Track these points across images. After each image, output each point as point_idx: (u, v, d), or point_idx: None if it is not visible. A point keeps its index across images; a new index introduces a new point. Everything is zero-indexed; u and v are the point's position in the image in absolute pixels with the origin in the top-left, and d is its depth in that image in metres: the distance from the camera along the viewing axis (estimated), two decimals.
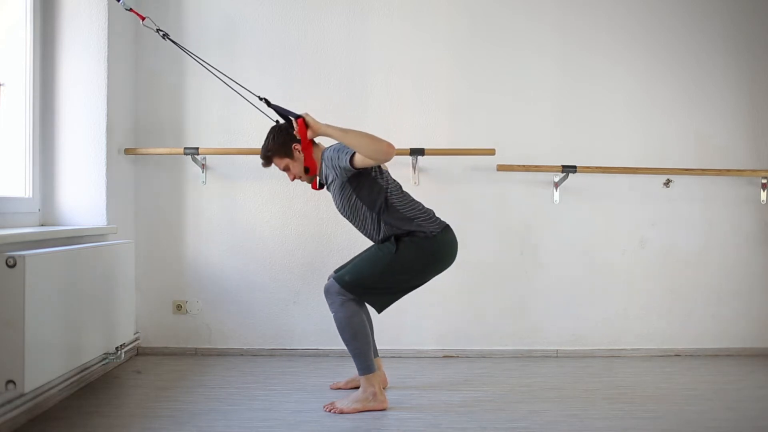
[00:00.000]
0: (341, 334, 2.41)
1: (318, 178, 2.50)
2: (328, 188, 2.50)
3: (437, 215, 2.49)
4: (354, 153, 2.27)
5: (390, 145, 2.24)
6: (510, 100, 3.31)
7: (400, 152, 3.09)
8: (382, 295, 2.43)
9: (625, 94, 3.35)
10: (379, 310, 2.46)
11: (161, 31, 2.55)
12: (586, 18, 3.34)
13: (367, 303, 2.45)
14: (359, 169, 2.32)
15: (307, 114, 2.39)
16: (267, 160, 2.48)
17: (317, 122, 2.37)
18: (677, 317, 3.36)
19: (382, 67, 3.28)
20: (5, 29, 2.67)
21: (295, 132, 2.40)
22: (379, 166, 2.43)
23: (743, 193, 3.38)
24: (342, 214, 2.49)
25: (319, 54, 3.28)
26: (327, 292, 2.45)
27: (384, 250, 2.40)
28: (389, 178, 2.47)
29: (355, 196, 2.40)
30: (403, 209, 2.41)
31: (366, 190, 2.39)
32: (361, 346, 2.39)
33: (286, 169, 2.48)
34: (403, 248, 2.38)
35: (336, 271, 2.52)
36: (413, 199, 2.48)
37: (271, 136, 2.46)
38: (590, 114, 3.33)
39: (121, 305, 2.77)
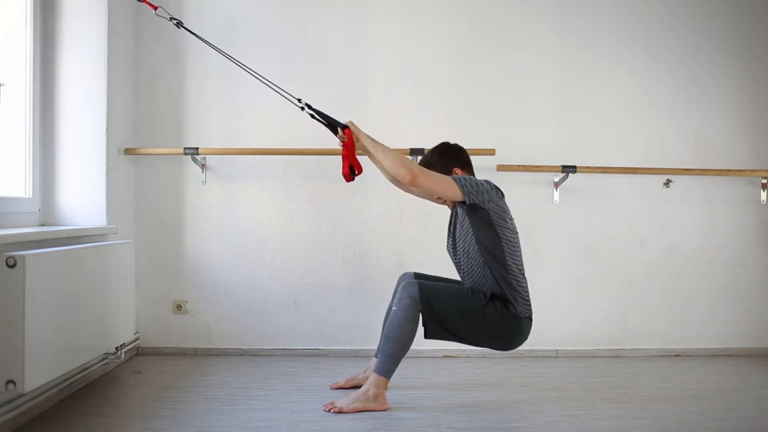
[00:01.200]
0: (388, 330, 2.37)
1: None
2: (453, 219, 2.49)
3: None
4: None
5: (411, 174, 2.25)
6: (510, 100, 3.31)
7: (401, 152, 3.10)
8: (442, 328, 2.38)
9: (625, 94, 3.35)
10: (427, 337, 2.41)
11: (175, 19, 2.54)
12: (586, 18, 3.34)
13: (427, 324, 2.39)
14: (460, 201, 2.32)
15: (352, 122, 2.44)
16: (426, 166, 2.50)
17: (359, 131, 2.42)
18: (677, 317, 3.36)
19: (382, 67, 3.28)
20: (5, 29, 2.67)
21: (339, 137, 2.45)
22: (504, 223, 2.38)
23: (743, 193, 3.38)
24: (452, 248, 2.49)
25: (319, 54, 3.28)
26: (403, 289, 2.38)
27: (475, 296, 2.38)
28: (513, 236, 2.42)
29: (471, 232, 2.38)
30: (513, 272, 2.37)
31: (485, 230, 2.36)
32: (398, 349, 2.37)
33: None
34: (491, 308, 2.35)
35: (416, 276, 2.51)
36: (524, 273, 2.45)
37: (438, 152, 2.54)
38: (590, 114, 3.34)
39: (121, 305, 2.76)
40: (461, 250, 2.45)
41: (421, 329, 2.39)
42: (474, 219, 2.37)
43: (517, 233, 2.45)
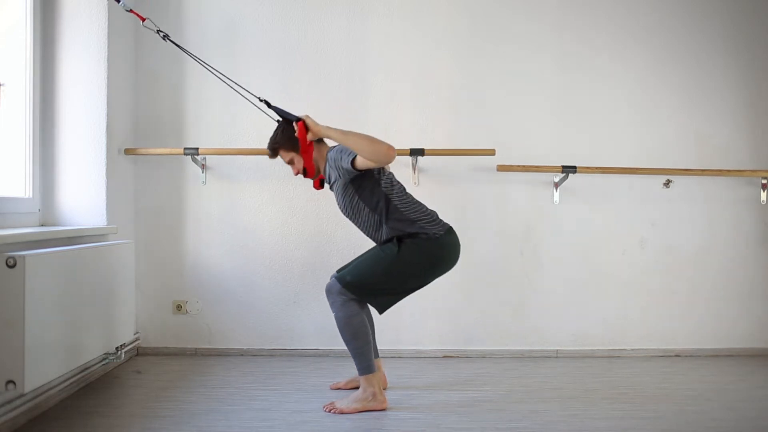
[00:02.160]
0: (342, 334, 2.42)
1: (320, 177, 2.50)
2: (331, 188, 2.50)
3: (440, 217, 2.49)
4: (356, 154, 2.27)
5: (390, 148, 2.25)
6: (510, 101, 3.31)
7: (400, 152, 3.09)
8: (384, 296, 2.43)
9: (626, 95, 3.35)
10: (381, 311, 2.46)
11: (161, 32, 2.55)
12: (586, 18, 3.34)
13: (369, 304, 2.46)
14: (361, 170, 2.32)
15: (307, 116, 2.40)
16: (273, 152, 2.51)
17: (317, 124, 2.38)
18: (677, 317, 3.36)
19: (382, 67, 3.28)
20: (5, 29, 2.67)
21: (295, 134, 2.41)
22: (382, 168, 2.43)
23: (743, 193, 3.38)
24: (344, 214, 2.50)
25: (319, 54, 3.28)
26: (328, 291, 2.45)
27: (386, 251, 2.40)
28: (393, 179, 2.47)
29: (357, 197, 2.40)
30: (406, 211, 2.41)
31: (368, 191, 2.39)
32: (361, 346, 2.39)
33: (290, 162, 2.50)
34: (406, 249, 2.38)
35: (338, 271, 2.52)
36: (416, 201, 2.47)
37: (280, 129, 2.48)
38: (590, 114, 3.33)
39: (121, 305, 2.77)
40: (351, 211, 2.45)
41: (375, 311, 2.43)
42: (359, 179, 2.38)
43: (384, 173, 2.44)
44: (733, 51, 3.39)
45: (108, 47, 2.88)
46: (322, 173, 2.49)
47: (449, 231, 2.46)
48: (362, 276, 2.39)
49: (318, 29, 3.28)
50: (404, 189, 2.49)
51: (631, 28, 3.35)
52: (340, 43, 3.28)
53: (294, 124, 2.41)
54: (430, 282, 2.49)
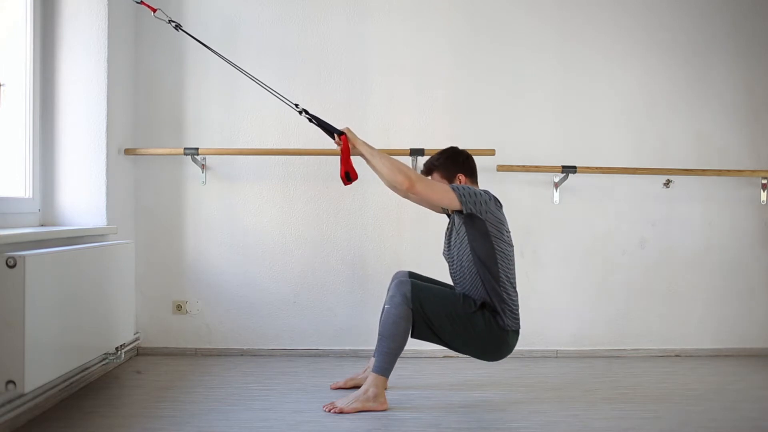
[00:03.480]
0: (382, 328, 2.38)
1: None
2: (451, 228, 2.51)
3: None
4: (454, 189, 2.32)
5: (407, 181, 2.28)
6: (510, 101, 3.31)
7: (400, 152, 3.10)
8: (429, 330, 2.40)
9: (626, 94, 3.35)
10: (414, 336, 2.42)
11: (173, 21, 2.54)
12: (587, 18, 3.34)
13: (414, 322, 2.40)
14: (458, 210, 2.33)
15: (348, 129, 2.46)
16: (428, 171, 2.54)
17: (356, 137, 2.44)
18: (677, 317, 3.36)
19: (381, 67, 3.28)
20: (5, 29, 2.67)
21: (336, 142, 2.48)
22: (507, 230, 2.41)
23: (743, 193, 3.38)
24: (447, 254, 2.51)
25: (319, 54, 3.28)
26: (396, 286, 2.39)
27: (465, 303, 2.39)
28: (508, 248, 2.42)
29: (467, 240, 2.39)
30: (504, 285, 2.38)
31: (479, 240, 2.36)
32: (393, 348, 2.37)
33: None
34: (479, 317, 2.37)
35: (411, 276, 2.51)
36: (516, 286, 2.45)
37: (447, 155, 2.54)
38: (590, 114, 3.34)
39: (121, 305, 2.76)
40: (455, 257, 2.46)
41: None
42: (470, 228, 2.37)
43: (512, 246, 2.46)
44: (733, 51, 3.39)
45: (108, 47, 2.88)
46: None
47: (517, 333, 2.45)
48: (431, 303, 2.37)
49: (318, 29, 3.28)
50: (514, 267, 2.46)
51: (631, 27, 3.35)
52: (340, 44, 3.28)
53: (337, 137, 2.47)
54: (466, 354, 2.49)
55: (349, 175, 2.46)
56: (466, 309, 2.38)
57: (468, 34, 3.31)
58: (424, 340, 2.45)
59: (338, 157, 2.49)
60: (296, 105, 2.55)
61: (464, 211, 2.33)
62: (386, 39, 3.29)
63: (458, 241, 2.43)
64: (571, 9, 3.33)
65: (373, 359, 2.49)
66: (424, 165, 2.58)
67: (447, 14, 3.30)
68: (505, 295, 2.38)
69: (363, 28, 3.28)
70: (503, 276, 2.39)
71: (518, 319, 2.44)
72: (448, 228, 2.55)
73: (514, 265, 2.46)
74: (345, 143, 2.45)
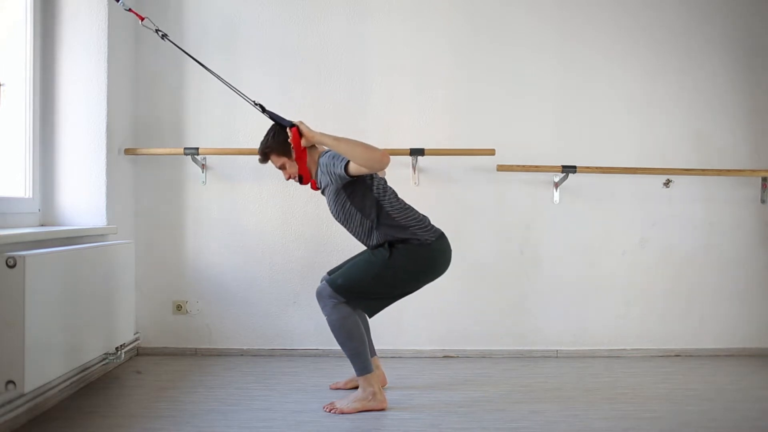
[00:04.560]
0: (336, 337, 2.42)
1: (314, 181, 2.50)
2: (322, 193, 2.50)
3: (434, 220, 2.49)
4: (348, 160, 2.27)
5: (384, 154, 2.26)
6: (510, 101, 3.31)
7: (400, 152, 3.10)
8: (374, 300, 2.44)
9: (625, 94, 3.35)
10: (370, 315, 2.47)
11: (160, 31, 2.54)
12: (587, 18, 3.34)
13: (359, 307, 2.45)
14: (354, 176, 2.32)
15: (301, 122, 2.39)
16: (264, 157, 2.49)
17: (311, 130, 2.36)
18: (677, 317, 3.36)
19: (381, 67, 3.28)
20: (5, 29, 2.67)
21: (288, 140, 2.39)
22: (373, 174, 2.42)
23: (743, 193, 3.38)
24: (336, 219, 2.50)
25: (319, 54, 3.28)
26: (319, 295, 2.45)
27: (377, 255, 2.40)
28: (385, 185, 2.47)
29: (349, 203, 2.40)
30: (397, 217, 2.40)
31: (360, 196, 2.39)
32: (357, 347, 2.39)
33: (282, 167, 2.48)
34: (397, 255, 2.38)
35: (328, 274, 2.52)
36: (408, 207, 2.47)
37: (271, 134, 2.46)
38: (590, 114, 3.33)
39: (121, 305, 2.77)
40: (342, 216, 2.45)
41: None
42: (350, 185, 2.37)
43: (382, 178, 2.46)
44: (733, 51, 3.39)
45: (108, 47, 2.88)
46: (313, 178, 2.47)
47: (441, 237, 2.45)
48: (353, 280, 2.39)
49: (318, 29, 3.28)
50: (396, 195, 2.48)
51: (631, 28, 3.35)
52: (340, 44, 3.28)
53: (288, 130, 2.38)
54: (420, 287, 2.50)
55: (302, 179, 2.43)
56: (382, 259, 2.38)
57: (468, 34, 3.31)
58: (380, 310, 2.46)
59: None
60: (254, 102, 2.50)
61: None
62: (386, 39, 3.29)
63: (338, 202, 2.41)
64: (571, 9, 3.33)
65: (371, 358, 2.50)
66: (260, 153, 2.48)
67: (447, 14, 3.30)
68: (403, 222, 2.39)
69: (363, 28, 3.28)
70: (389, 209, 2.39)
71: (431, 228, 2.44)
72: (324, 195, 2.49)
73: (392, 192, 2.46)
74: (294, 135, 2.35)
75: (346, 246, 3.25)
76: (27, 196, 2.72)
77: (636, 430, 2.23)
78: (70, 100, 2.84)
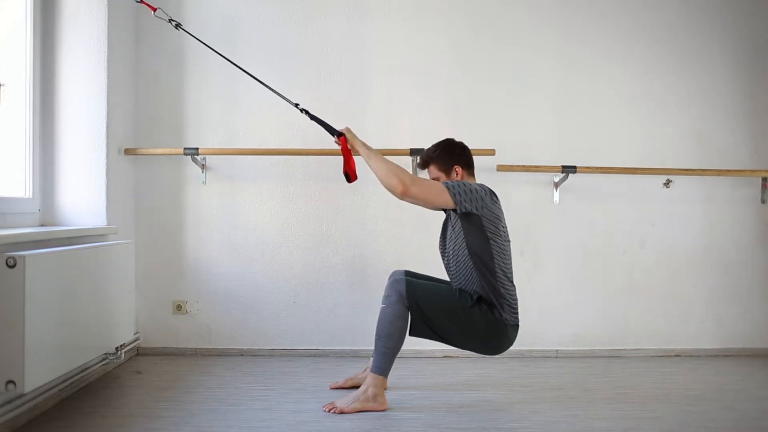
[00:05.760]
0: (379, 328, 2.39)
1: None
2: (446, 223, 2.51)
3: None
4: (448, 188, 2.31)
5: (403, 186, 2.26)
6: (510, 101, 3.31)
7: (400, 152, 3.10)
8: (427, 327, 2.40)
9: (626, 95, 3.35)
10: (412, 334, 2.42)
11: (174, 21, 2.54)
12: (587, 18, 3.34)
13: (411, 320, 2.40)
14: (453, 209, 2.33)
15: (348, 130, 2.46)
16: (425, 163, 2.53)
17: (355, 138, 2.44)
18: (677, 317, 3.36)
19: (381, 67, 3.28)
20: (5, 29, 2.67)
21: (336, 143, 2.49)
22: (503, 226, 2.41)
23: (743, 193, 3.38)
24: (440, 246, 2.52)
25: (319, 54, 3.28)
26: (391, 286, 2.40)
27: (462, 298, 2.38)
28: (504, 244, 2.42)
29: (462, 236, 2.39)
30: (501, 279, 2.37)
31: (476, 238, 2.36)
32: (391, 347, 2.38)
33: (435, 179, 2.50)
34: (477, 312, 2.36)
35: (407, 274, 2.50)
36: (513, 280, 2.44)
37: (442, 146, 2.52)
38: (590, 114, 3.34)
39: (121, 305, 2.77)
40: (451, 252, 2.45)
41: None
42: (466, 224, 2.37)
43: (509, 241, 2.45)
44: (733, 51, 3.39)
45: (108, 47, 2.88)
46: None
47: (516, 326, 2.43)
48: (427, 300, 2.37)
49: (318, 29, 3.28)
50: (511, 262, 2.45)
51: (631, 28, 3.35)
52: (340, 44, 3.28)
53: (336, 138, 2.48)
54: (466, 349, 2.48)
55: (348, 176, 2.47)
56: (463, 303, 2.37)
57: (468, 34, 3.31)
58: (423, 337, 2.43)
59: (339, 157, 2.50)
60: (297, 105, 2.56)
61: (459, 210, 2.33)
62: (386, 39, 3.29)
63: (454, 236, 2.43)
64: (571, 9, 3.33)
65: (372, 359, 2.49)
66: (420, 158, 2.58)
67: (447, 14, 3.30)
68: (502, 290, 2.38)
69: (363, 28, 3.28)
70: (499, 271, 2.38)
71: (517, 314, 2.43)
72: (444, 222, 2.56)
73: (510, 259, 2.45)
74: (343, 144, 2.46)
75: (346, 246, 3.25)
76: (27, 196, 2.72)
77: (636, 430, 2.23)
78: (70, 100, 2.84)
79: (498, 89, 3.30)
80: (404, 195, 2.28)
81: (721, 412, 2.44)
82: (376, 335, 2.40)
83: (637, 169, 3.23)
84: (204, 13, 3.27)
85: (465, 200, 2.31)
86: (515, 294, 2.44)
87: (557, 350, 3.31)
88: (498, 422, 2.29)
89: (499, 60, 3.31)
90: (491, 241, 2.36)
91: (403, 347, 3.21)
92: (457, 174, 2.48)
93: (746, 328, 3.38)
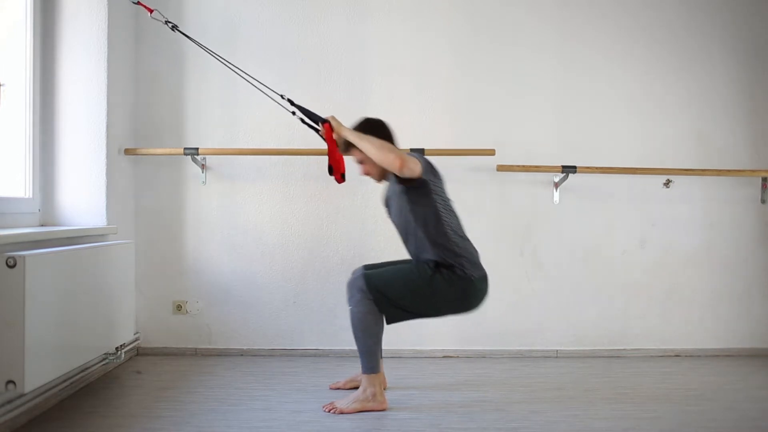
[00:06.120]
0: (354, 330, 2.40)
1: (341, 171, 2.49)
2: (387, 200, 2.53)
3: (480, 260, 2.47)
4: (409, 161, 2.28)
5: (397, 158, 2.24)
6: (510, 101, 3.31)
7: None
8: (399, 309, 2.42)
9: (626, 95, 3.35)
10: (389, 322, 2.45)
11: (170, 22, 2.54)
12: (587, 18, 3.34)
13: (383, 311, 2.42)
14: (408, 179, 2.31)
15: (333, 117, 2.42)
16: (348, 147, 2.48)
17: (340, 126, 2.39)
18: (677, 317, 3.36)
19: (381, 67, 3.28)
20: (5, 29, 2.67)
21: (321, 133, 2.44)
22: (442, 190, 2.42)
23: (743, 193, 3.38)
24: (392, 221, 2.52)
25: (319, 54, 3.28)
26: (350, 285, 2.43)
27: (420, 271, 2.39)
28: (450, 206, 2.45)
29: (409, 207, 2.40)
30: (455, 241, 2.39)
31: (422, 205, 2.38)
32: (371, 344, 2.39)
33: (361, 162, 2.49)
34: (439, 278, 2.37)
35: (365, 268, 2.51)
36: (465, 236, 2.45)
37: (362, 127, 2.46)
38: (590, 114, 3.34)
39: (121, 305, 2.77)
40: (400, 220, 2.46)
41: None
42: (413, 194, 2.38)
43: (451, 200, 2.47)
44: (733, 51, 3.39)
45: (108, 47, 2.88)
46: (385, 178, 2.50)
47: (484, 278, 2.44)
48: (389, 285, 2.38)
49: (318, 29, 3.28)
50: (459, 221, 2.47)
51: (631, 28, 3.35)
52: (340, 44, 3.28)
53: (320, 125, 2.42)
54: (444, 316, 2.50)
55: (331, 170, 2.45)
56: (423, 275, 2.38)
57: (468, 34, 3.31)
58: (400, 321, 2.45)
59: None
60: (282, 95, 2.54)
61: (421, 179, 2.34)
62: (386, 39, 3.29)
63: (399, 207, 2.43)
64: (571, 9, 3.33)
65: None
66: (343, 143, 2.48)
67: (447, 14, 3.30)
68: (456, 249, 2.38)
69: (363, 28, 3.28)
70: (449, 230, 2.39)
71: (479, 266, 2.44)
72: (386, 195, 2.55)
73: (457, 217, 2.46)
74: (327, 131, 2.40)
75: (346, 246, 3.25)
76: (27, 196, 2.72)
77: (636, 430, 2.23)
78: (70, 100, 2.84)
79: (498, 89, 3.30)
80: (402, 167, 2.26)
81: (721, 412, 2.44)
82: (354, 337, 2.42)
83: (637, 169, 3.23)
84: (204, 13, 3.27)
85: (426, 170, 2.35)
86: (472, 248, 2.45)
87: (557, 350, 3.31)
88: (498, 422, 2.29)
89: (499, 60, 3.31)
90: (437, 204, 2.39)
91: (403, 347, 3.26)
92: None
93: (746, 328, 3.38)
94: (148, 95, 3.26)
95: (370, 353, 2.40)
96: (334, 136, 2.41)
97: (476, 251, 2.46)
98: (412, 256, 2.51)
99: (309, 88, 3.25)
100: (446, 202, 2.44)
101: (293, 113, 2.54)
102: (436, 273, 2.37)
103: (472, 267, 2.40)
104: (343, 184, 2.55)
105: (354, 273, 2.50)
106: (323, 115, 2.46)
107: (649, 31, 3.36)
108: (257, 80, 2.60)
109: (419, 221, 2.39)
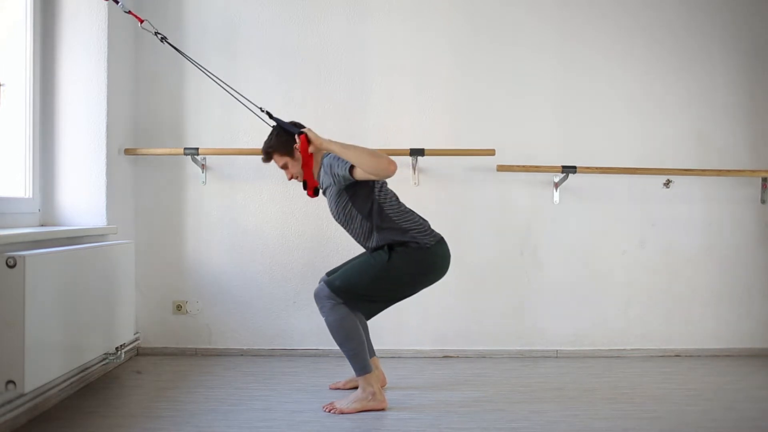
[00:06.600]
0: (334, 338, 2.42)
1: (314, 184, 2.50)
2: (324, 193, 2.51)
3: (434, 220, 2.49)
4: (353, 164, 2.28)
5: (390, 162, 2.24)
6: (510, 101, 3.31)
7: (400, 153, 3.10)
8: (372, 302, 2.45)
9: (626, 95, 3.35)
10: (367, 317, 2.49)
11: (159, 34, 2.54)
12: (587, 18, 3.34)
13: (356, 309, 2.44)
14: (358, 180, 2.33)
15: (309, 129, 2.40)
16: (267, 156, 2.50)
17: (319, 137, 2.36)
18: (677, 317, 3.36)
19: (381, 67, 3.28)
20: (5, 29, 2.67)
21: (296, 146, 2.40)
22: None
23: (743, 193, 3.38)
24: (336, 220, 2.52)
25: (319, 54, 3.28)
26: (317, 296, 2.45)
27: (376, 258, 2.41)
28: (386, 188, 2.47)
29: (350, 205, 2.41)
30: (398, 220, 2.41)
31: (361, 198, 2.40)
32: (355, 347, 2.40)
33: (284, 167, 2.50)
34: (396, 258, 2.38)
35: (327, 275, 2.52)
36: (409, 210, 2.47)
37: (274, 133, 2.48)
38: (590, 114, 3.33)
39: (121, 305, 2.77)
40: (343, 218, 2.46)
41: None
42: (352, 187, 2.38)
43: (384, 182, 2.46)
44: (734, 51, 3.39)
45: (108, 47, 2.88)
46: (316, 179, 2.48)
47: (440, 242, 2.46)
48: (351, 282, 2.39)
49: (318, 29, 3.28)
50: (397, 198, 2.49)
51: (631, 28, 3.35)
52: (340, 44, 3.28)
53: (296, 137, 2.40)
54: (417, 291, 2.50)
55: (306, 185, 2.45)
56: (381, 261, 2.39)
57: (468, 34, 3.31)
58: (377, 313, 2.48)
59: None
60: (261, 108, 2.54)
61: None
62: (386, 39, 3.29)
63: (340, 203, 2.43)
64: (571, 9, 3.33)
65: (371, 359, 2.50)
66: (263, 152, 2.50)
67: (447, 14, 3.30)
68: (404, 225, 2.40)
69: (363, 28, 3.28)
70: (392, 213, 2.40)
71: (431, 232, 2.44)
72: (330, 197, 2.49)
73: (396, 197, 2.47)
74: (303, 143, 2.36)
75: (346, 246, 3.25)
76: (27, 196, 2.72)
77: (636, 430, 2.23)
78: (70, 100, 2.84)
79: (498, 89, 3.30)
80: (391, 166, 2.25)
81: (721, 412, 2.44)
82: (338, 345, 2.43)
83: (637, 169, 3.23)
84: (204, 13, 3.27)
85: None
86: (417, 218, 2.45)
87: (557, 350, 3.31)
88: (498, 422, 2.29)
89: (499, 60, 3.31)
90: (373, 192, 2.40)
91: (403, 347, 3.26)
92: (299, 151, 2.43)
93: (746, 328, 3.38)
94: (148, 95, 3.26)
95: (357, 356, 2.41)
96: (311, 149, 2.37)
97: (424, 220, 2.47)
98: (364, 248, 2.52)
99: (309, 88, 3.25)
100: (381, 185, 2.44)
101: (273, 127, 2.51)
102: (392, 254, 2.38)
103: (424, 236, 2.41)
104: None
105: (316, 289, 2.49)
106: (302, 127, 2.44)
107: (649, 31, 3.36)
108: (237, 91, 2.59)
109: (363, 213, 2.40)
